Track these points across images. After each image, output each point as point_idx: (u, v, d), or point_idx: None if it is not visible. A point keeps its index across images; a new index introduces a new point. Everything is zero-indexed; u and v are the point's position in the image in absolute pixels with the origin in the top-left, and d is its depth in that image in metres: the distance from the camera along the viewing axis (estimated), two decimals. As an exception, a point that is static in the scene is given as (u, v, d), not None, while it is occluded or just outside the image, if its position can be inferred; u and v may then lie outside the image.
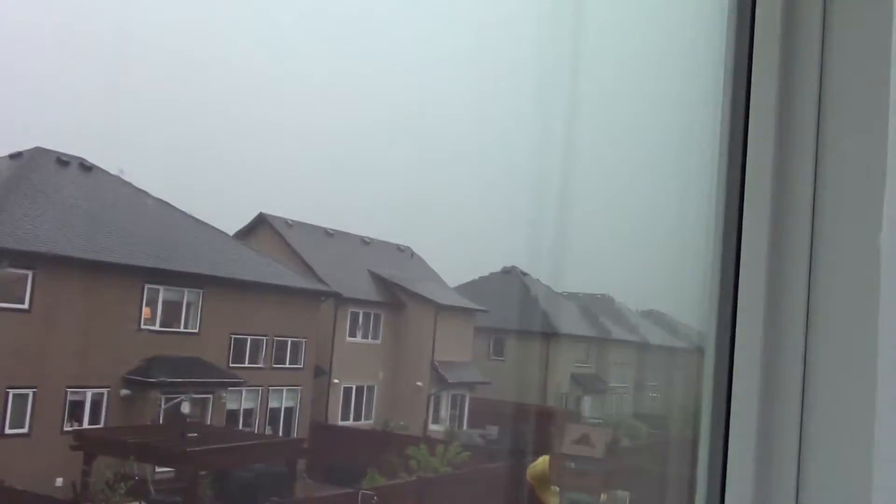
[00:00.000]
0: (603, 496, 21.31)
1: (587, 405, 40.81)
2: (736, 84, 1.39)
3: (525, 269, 41.52)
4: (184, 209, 30.23)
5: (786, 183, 1.31)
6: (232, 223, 34.31)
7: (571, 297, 43.31)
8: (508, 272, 42.81)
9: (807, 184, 1.30)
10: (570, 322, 41.30)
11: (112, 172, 28.92)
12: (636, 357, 45.14)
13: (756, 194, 1.32)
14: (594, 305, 44.74)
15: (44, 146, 27.61)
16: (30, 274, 23.15)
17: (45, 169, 27.03)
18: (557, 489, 22.60)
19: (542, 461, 24.50)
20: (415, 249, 41.42)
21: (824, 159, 1.29)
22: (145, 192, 29.50)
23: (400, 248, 40.78)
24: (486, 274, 43.50)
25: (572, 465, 22.53)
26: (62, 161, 27.75)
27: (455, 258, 42.10)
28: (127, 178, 29.19)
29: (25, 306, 23.03)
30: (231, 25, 34.79)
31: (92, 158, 28.59)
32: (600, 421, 37.41)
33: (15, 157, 27.33)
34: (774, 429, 1.26)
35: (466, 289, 41.37)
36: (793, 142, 1.31)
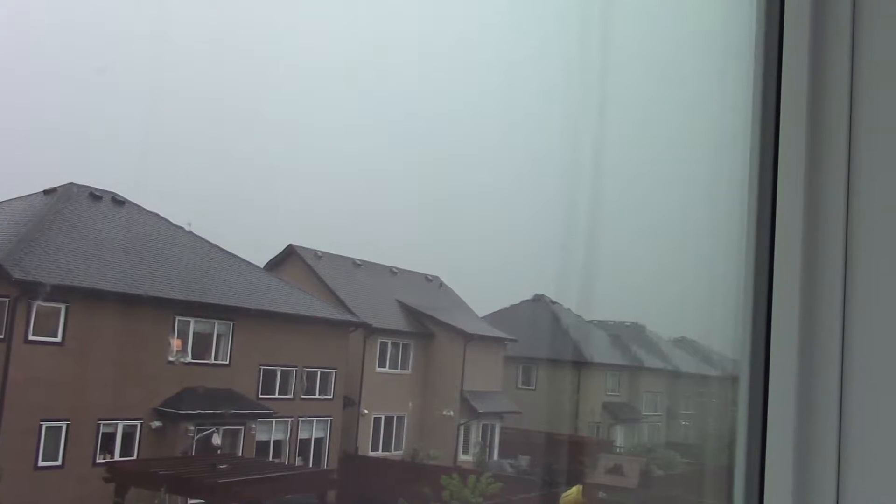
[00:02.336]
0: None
1: (619, 434, 40.38)
2: (765, 105, 1.38)
3: (554, 298, 41.35)
4: (214, 241, 30.53)
5: (818, 209, 1.30)
6: (262, 255, 34.59)
7: (601, 325, 43.03)
8: (538, 301, 42.67)
9: (839, 208, 1.29)
10: (600, 351, 41.00)
11: (148, 209, 29.28)
12: (668, 385, 44.66)
13: (788, 220, 1.31)
14: (625, 334, 44.40)
15: (77, 181, 28.06)
16: (63, 307, 23.44)
17: (78, 204, 27.45)
18: (590, 520, 22.33)
19: (575, 491, 24.33)
20: (443, 279, 41.43)
21: (856, 185, 1.28)
22: (177, 225, 29.84)
23: (428, 278, 40.82)
24: (516, 303, 43.39)
25: (604, 494, 22.24)
26: (95, 196, 28.17)
27: (484, 287, 42.00)
28: (159, 212, 29.56)
29: (59, 339, 23.30)
30: (259, 56, 35.26)
31: (124, 193, 29.01)
32: (633, 450, 36.98)
33: (49, 192, 27.79)
34: (812, 456, 1.24)
35: (495, 318, 41.24)
36: (824, 168, 1.30)
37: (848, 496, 1.22)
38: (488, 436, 36.11)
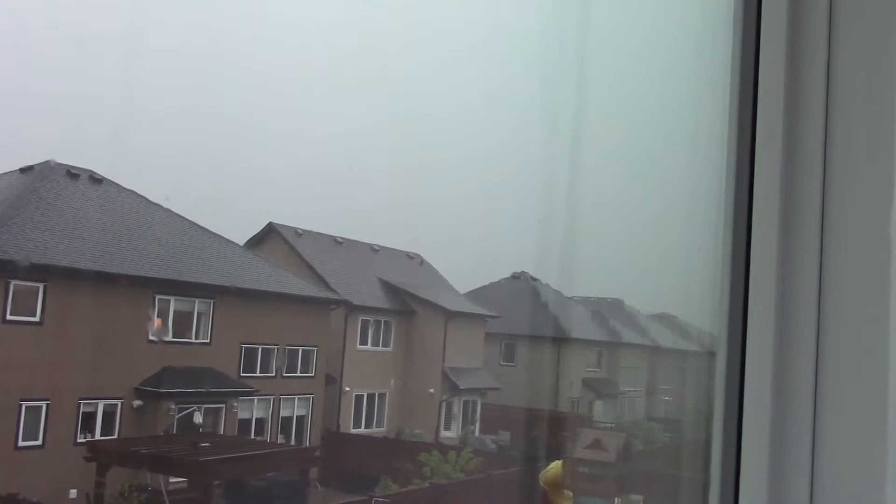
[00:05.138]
0: (616, 500, 21.23)
1: (599, 409, 40.72)
2: (743, 82, 1.39)
3: (535, 275, 41.50)
4: (194, 220, 30.35)
5: (795, 185, 1.31)
6: (242, 233, 34.44)
7: (582, 301, 43.25)
8: (518, 278, 42.81)
9: (815, 186, 1.30)
10: (580, 327, 41.23)
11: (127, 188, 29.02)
12: (648, 361, 45.02)
13: (765, 196, 1.32)
14: (605, 310, 44.67)
15: (54, 159, 27.76)
16: (41, 286, 23.25)
17: (55, 182, 27.17)
18: (570, 494, 22.54)
19: (555, 466, 24.44)
20: (424, 257, 41.45)
21: (833, 161, 1.29)
22: (155, 203, 29.62)
23: (409, 256, 40.81)
24: (496, 280, 43.51)
25: (585, 469, 22.45)
26: (72, 174, 27.89)
27: (464, 265, 42.08)
28: (138, 190, 29.32)
29: (37, 319, 23.12)
30: (238, 33, 34.91)
31: (101, 170, 28.74)
32: (612, 425, 37.32)
33: (25, 170, 27.49)
34: (787, 430, 1.26)
35: (476, 295, 41.36)
36: (801, 145, 1.31)
37: (823, 467, 1.24)
38: (470, 412, 36.31)
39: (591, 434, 25.08)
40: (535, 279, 41.41)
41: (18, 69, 30.66)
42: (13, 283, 22.72)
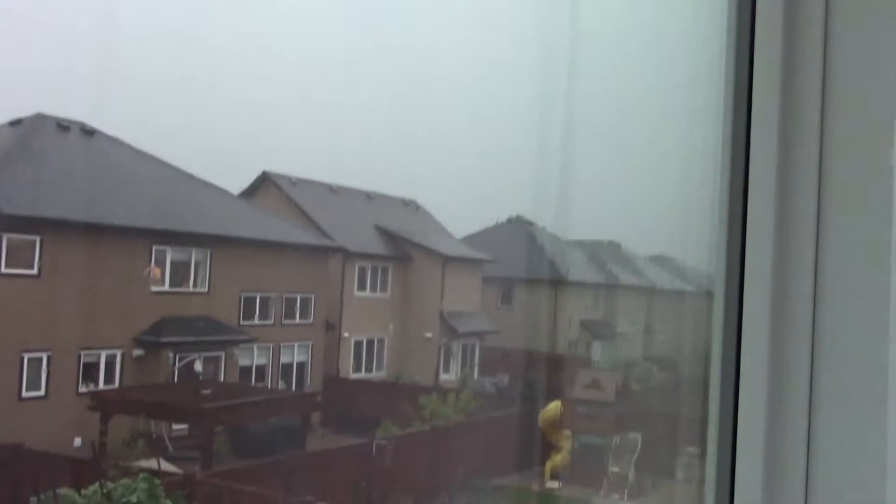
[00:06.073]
0: (615, 438, 21.54)
1: (597, 351, 41.08)
2: (741, 13, 1.37)
3: (530, 219, 41.51)
4: (187, 170, 30.19)
5: (793, 118, 1.29)
6: (235, 183, 34.28)
7: (578, 244, 43.33)
8: (515, 221, 42.84)
9: (814, 119, 1.29)
10: (577, 269, 41.37)
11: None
12: (645, 302, 45.28)
13: (762, 134, 1.31)
14: (601, 252, 44.79)
15: (43, 112, 27.48)
16: (37, 239, 23.22)
17: (46, 135, 26.95)
18: (569, 433, 22.87)
19: (554, 406, 24.80)
20: (420, 202, 41.38)
21: (832, 96, 1.28)
22: (149, 155, 29.44)
23: (405, 202, 40.74)
24: (493, 224, 43.54)
25: (583, 409, 22.74)
26: (63, 126, 27.65)
27: (461, 210, 42.04)
28: (130, 142, 29.10)
29: (34, 272, 23.15)
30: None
31: (92, 122, 28.47)
32: (610, 366, 37.69)
33: (15, 123, 27.23)
34: (785, 365, 1.27)
35: (473, 240, 41.42)
36: (798, 80, 1.30)
37: (821, 398, 1.25)
38: (468, 355, 36.62)
39: (588, 374, 25.34)
40: (531, 223, 41.44)
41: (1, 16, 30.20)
42: (7, 236, 22.69)
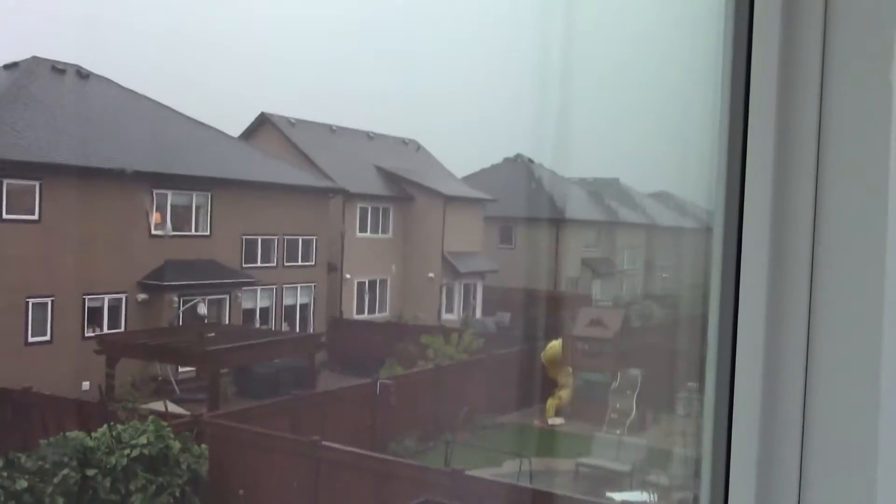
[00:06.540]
0: (617, 375, 21.77)
1: (598, 288, 41.28)
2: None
3: (532, 157, 41.34)
4: (185, 112, 29.98)
5: (793, 50, 1.28)
6: (234, 125, 34.07)
7: (578, 182, 43.23)
8: (514, 160, 42.67)
9: (815, 52, 1.27)
10: (577, 207, 41.36)
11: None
12: (645, 239, 45.37)
13: (762, 69, 1.30)
14: (602, 189, 44.72)
15: (38, 54, 27.18)
16: (37, 184, 23.18)
17: (42, 78, 26.69)
18: (571, 370, 23.12)
19: (556, 344, 24.98)
20: (420, 142, 41.16)
21: (832, 35, 1.26)
22: (145, 97, 29.20)
23: (405, 142, 40.53)
24: (493, 163, 43.38)
25: (585, 346, 22.93)
26: (58, 69, 27.37)
27: (461, 149, 41.87)
28: (127, 84, 28.84)
29: (35, 217, 23.16)
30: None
31: (86, 64, 28.19)
32: (611, 303, 37.90)
33: (10, 67, 26.97)
34: (783, 299, 1.27)
35: (473, 179, 41.32)
36: (799, 29, 1.28)
37: (819, 333, 1.26)
38: (471, 295, 36.81)
39: (589, 312, 25.49)
40: (531, 161, 41.29)
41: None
42: (6, 181, 22.64)
